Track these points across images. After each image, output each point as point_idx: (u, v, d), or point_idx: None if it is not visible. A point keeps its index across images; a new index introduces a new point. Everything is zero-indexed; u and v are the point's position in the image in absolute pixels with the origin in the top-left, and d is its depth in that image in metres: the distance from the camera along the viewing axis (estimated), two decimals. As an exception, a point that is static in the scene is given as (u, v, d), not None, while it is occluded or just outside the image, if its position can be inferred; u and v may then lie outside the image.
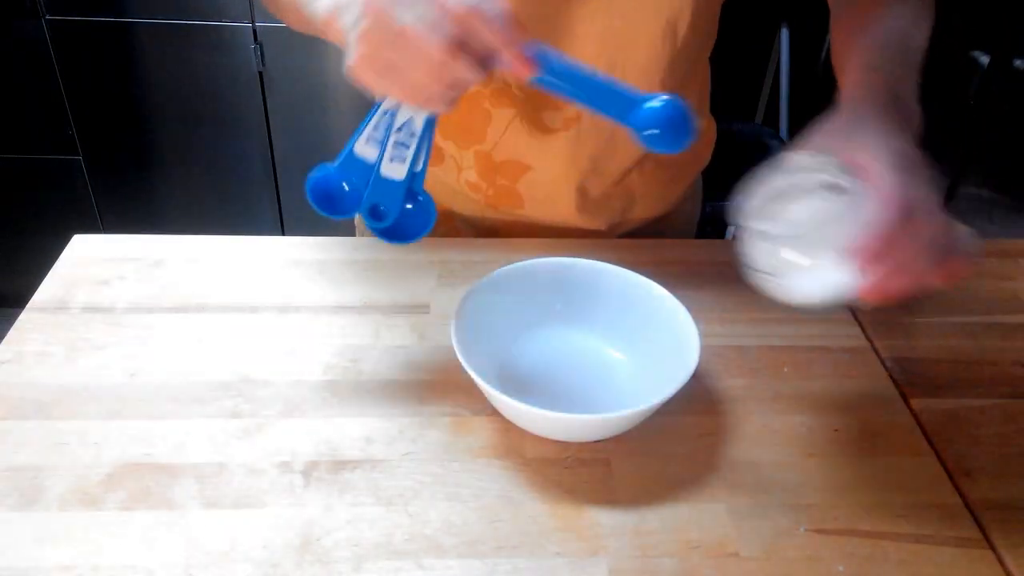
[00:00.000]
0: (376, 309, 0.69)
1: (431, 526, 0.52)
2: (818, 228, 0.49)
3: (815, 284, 0.50)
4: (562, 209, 0.79)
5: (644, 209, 0.84)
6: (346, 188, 0.59)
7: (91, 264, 0.73)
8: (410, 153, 0.58)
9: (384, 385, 0.62)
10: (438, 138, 0.78)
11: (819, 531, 0.52)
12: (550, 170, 0.77)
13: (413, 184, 0.59)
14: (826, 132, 0.54)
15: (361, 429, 0.58)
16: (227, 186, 1.92)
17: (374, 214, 0.59)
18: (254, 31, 1.70)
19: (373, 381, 0.62)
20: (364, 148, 0.58)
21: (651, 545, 0.51)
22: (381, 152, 0.58)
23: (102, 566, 0.48)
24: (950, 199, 1.95)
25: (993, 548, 0.52)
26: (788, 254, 0.51)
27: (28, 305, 0.68)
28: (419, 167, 0.59)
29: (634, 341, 0.64)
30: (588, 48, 0.70)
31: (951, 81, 1.81)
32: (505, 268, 0.64)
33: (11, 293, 1.74)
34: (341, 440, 0.57)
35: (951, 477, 0.57)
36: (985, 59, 1.76)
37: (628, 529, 0.52)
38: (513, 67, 0.51)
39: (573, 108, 0.73)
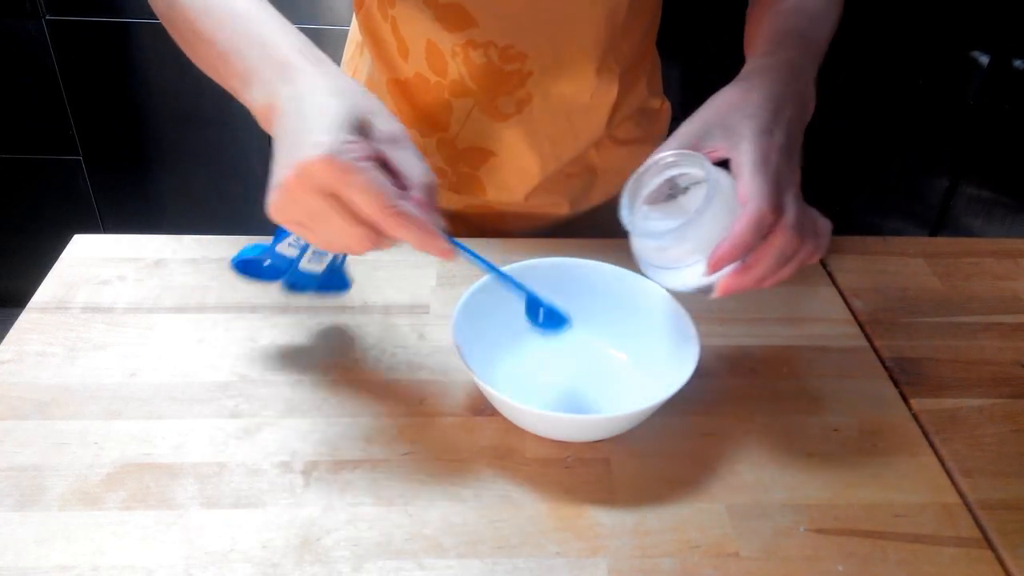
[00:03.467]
0: (376, 309, 0.69)
1: (431, 526, 0.52)
2: (685, 226, 0.50)
3: (681, 278, 0.54)
4: (523, 191, 0.81)
5: (605, 186, 0.85)
6: (266, 263, 0.61)
7: (91, 264, 0.73)
8: (329, 258, 0.61)
9: (384, 385, 0.62)
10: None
11: (819, 531, 0.52)
12: (511, 154, 0.78)
13: (333, 265, 0.63)
14: (715, 110, 0.55)
15: (361, 429, 0.58)
16: (227, 186, 1.92)
17: (292, 287, 0.63)
18: (254, 31, 1.70)
19: (373, 381, 0.62)
20: (285, 248, 0.60)
21: (651, 545, 0.51)
22: (300, 254, 0.60)
23: (102, 566, 0.48)
24: (950, 199, 1.95)
25: (993, 548, 0.52)
26: (657, 250, 0.53)
27: (28, 305, 0.68)
28: (339, 260, 0.63)
29: (634, 341, 0.64)
30: (529, 28, 0.71)
31: (951, 81, 1.81)
32: (505, 268, 0.64)
33: (11, 293, 1.74)
34: (341, 440, 0.57)
35: (951, 477, 0.57)
36: (985, 59, 1.76)
37: (628, 529, 0.52)
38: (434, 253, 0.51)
39: (524, 90, 0.74)
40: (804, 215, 0.51)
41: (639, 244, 0.55)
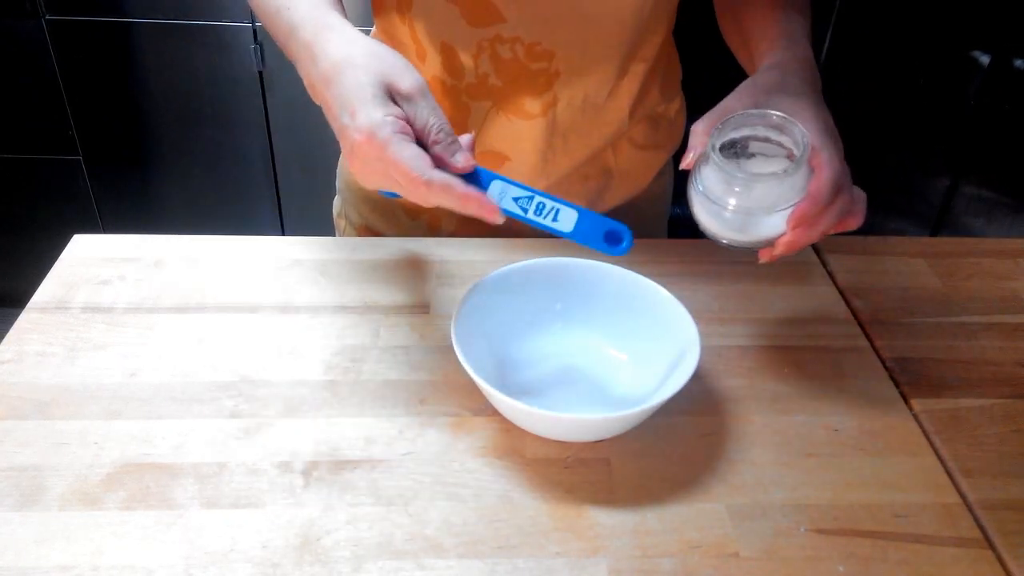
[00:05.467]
0: (376, 309, 0.69)
1: (431, 526, 0.52)
2: (768, 180, 0.54)
3: (748, 227, 0.56)
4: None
5: (620, 188, 0.85)
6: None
7: (91, 264, 0.73)
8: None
9: (384, 385, 0.62)
10: None
11: (819, 531, 0.52)
12: (527, 157, 0.78)
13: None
14: (762, 88, 0.59)
15: (361, 429, 0.58)
16: (227, 186, 1.92)
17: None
18: (254, 31, 1.70)
19: (373, 381, 0.62)
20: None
21: (651, 545, 0.51)
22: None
23: (102, 566, 0.48)
24: (950, 199, 1.95)
25: (993, 548, 0.52)
26: (737, 193, 0.55)
27: (28, 305, 0.68)
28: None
29: (634, 341, 0.64)
30: (556, 25, 0.71)
31: (951, 81, 1.81)
32: (505, 268, 0.64)
33: (11, 293, 1.74)
34: (341, 440, 0.57)
35: (951, 477, 0.57)
36: (985, 59, 1.76)
37: (628, 529, 0.52)
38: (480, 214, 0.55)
39: (551, 94, 0.75)
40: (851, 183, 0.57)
41: (718, 180, 0.55)
